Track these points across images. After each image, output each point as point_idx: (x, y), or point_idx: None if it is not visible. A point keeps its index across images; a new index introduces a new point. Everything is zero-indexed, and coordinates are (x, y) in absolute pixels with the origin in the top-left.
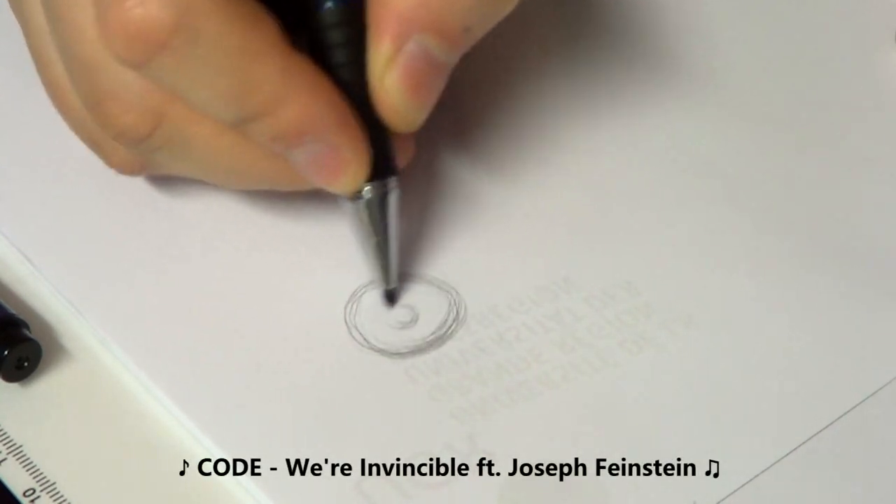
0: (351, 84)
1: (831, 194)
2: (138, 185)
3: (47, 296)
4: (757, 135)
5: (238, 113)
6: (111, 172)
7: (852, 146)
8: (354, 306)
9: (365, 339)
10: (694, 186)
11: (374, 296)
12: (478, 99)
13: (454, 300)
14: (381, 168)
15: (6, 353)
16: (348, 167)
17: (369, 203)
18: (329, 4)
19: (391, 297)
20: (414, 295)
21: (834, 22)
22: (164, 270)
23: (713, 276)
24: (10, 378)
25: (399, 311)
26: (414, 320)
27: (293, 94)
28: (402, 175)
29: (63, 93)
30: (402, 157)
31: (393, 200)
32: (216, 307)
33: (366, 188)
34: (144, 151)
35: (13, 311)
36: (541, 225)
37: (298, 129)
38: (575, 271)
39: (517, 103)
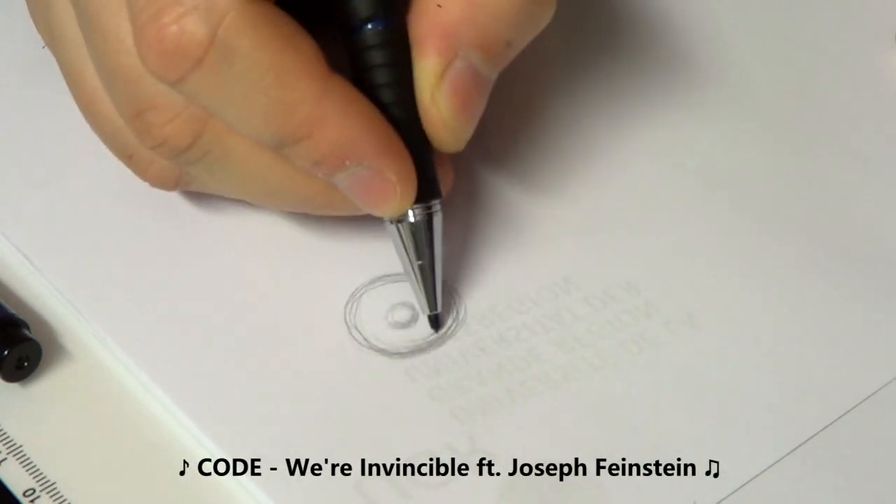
0: (394, 105)
1: (832, 194)
2: (138, 186)
3: (47, 296)
4: (757, 135)
5: (275, 135)
6: (111, 172)
7: (853, 146)
8: (354, 306)
9: (365, 338)
10: (694, 187)
11: (374, 296)
12: None
13: (454, 300)
14: (426, 190)
15: (6, 353)
16: (394, 191)
17: (414, 226)
18: (369, 25)
19: (436, 323)
20: (414, 295)
21: (835, 22)
22: (164, 271)
23: (713, 275)
24: (10, 378)
25: (399, 311)
26: (414, 320)
27: (331, 116)
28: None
29: (97, 104)
30: (443, 184)
31: (437, 223)
32: (216, 307)
33: (411, 213)
34: (183, 164)
35: (13, 311)
36: (541, 225)
37: (338, 152)
38: (575, 271)
39: (518, 105)
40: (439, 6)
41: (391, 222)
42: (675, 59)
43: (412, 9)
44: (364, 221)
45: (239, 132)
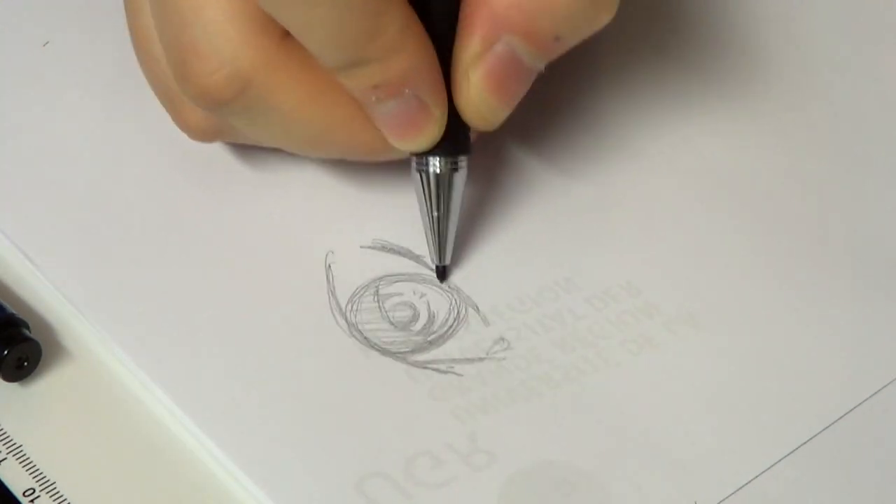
0: (444, 56)
1: (833, 194)
2: (139, 185)
3: (47, 296)
4: (758, 135)
5: (353, 56)
6: (111, 172)
7: (855, 146)
8: (354, 306)
9: (365, 338)
10: (695, 187)
11: (375, 296)
12: None
13: (455, 299)
14: (456, 145)
15: (6, 353)
16: (432, 125)
17: (439, 177)
18: None
19: (442, 274)
20: (415, 294)
21: (835, 23)
22: (165, 271)
23: (714, 276)
24: (10, 378)
25: (399, 311)
26: (414, 320)
27: (409, 44)
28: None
29: (147, 42)
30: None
31: (460, 179)
32: (217, 307)
33: (438, 161)
34: (222, 115)
35: (13, 310)
36: (543, 225)
37: (403, 79)
38: (576, 271)
39: (521, 105)
40: None
41: (416, 169)
42: (675, 60)
43: None
44: (364, 222)
45: (313, 49)
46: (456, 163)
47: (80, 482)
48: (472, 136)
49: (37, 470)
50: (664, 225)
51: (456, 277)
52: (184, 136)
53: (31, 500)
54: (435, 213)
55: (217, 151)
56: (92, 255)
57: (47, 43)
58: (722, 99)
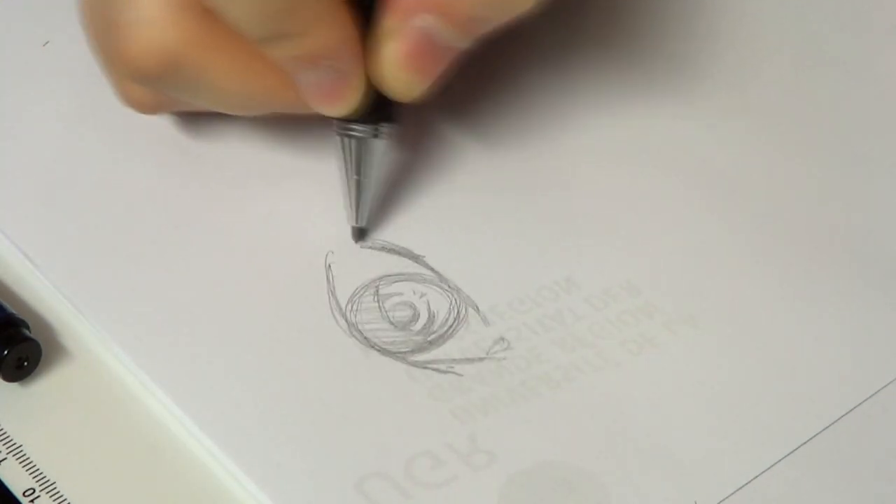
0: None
1: (832, 194)
2: (139, 185)
3: (47, 296)
4: (758, 135)
5: (273, 30)
6: (111, 172)
7: (857, 147)
8: (354, 306)
9: (365, 338)
10: (696, 187)
11: (375, 295)
12: (482, 99)
13: (455, 299)
14: (378, 112)
15: (6, 353)
16: (351, 94)
17: (360, 142)
18: None
19: (358, 235)
20: (415, 294)
21: (837, 21)
22: (165, 271)
23: (715, 276)
24: (10, 378)
25: (399, 311)
26: (414, 319)
27: (328, 18)
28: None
29: (91, 21)
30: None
31: (380, 146)
32: (217, 307)
33: (359, 127)
34: (156, 89)
35: (13, 310)
36: (543, 225)
37: (322, 52)
38: (576, 271)
39: (522, 105)
40: None
41: (338, 133)
42: (675, 58)
43: None
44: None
45: (233, 24)
46: (378, 130)
47: (80, 482)
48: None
49: (37, 470)
50: (664, 225)
51: (456, 277)
52: (184, 136)
53: (31, 500)
54: (355, 177)
55: (218, 152)
56: (92, 255)
57: (47, 43)
58: (722, 99)
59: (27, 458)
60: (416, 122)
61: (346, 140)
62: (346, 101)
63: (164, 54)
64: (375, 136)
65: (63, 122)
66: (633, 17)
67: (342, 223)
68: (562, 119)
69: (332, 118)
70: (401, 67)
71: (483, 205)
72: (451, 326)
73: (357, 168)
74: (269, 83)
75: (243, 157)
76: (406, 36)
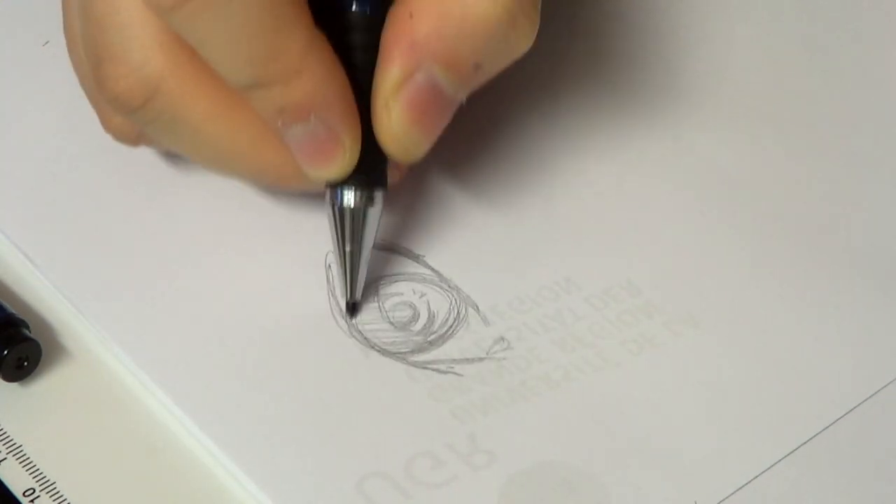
0: (365, 88)
1: (832, 195)
2: (139, 185)
3: (47, 296)
4: (758, 135)
5: (253, 76)
6: (112, 172)
7: (856, 147)
8: None
9: (365, 338)
10: (695, 187)
11: (375, 295)
12: (481, 98)
13: (455, 299)
14: (372, 178)
15: (6, 353)
16: (342, 155)
17: (353, 210)
18: (357, 8)
19: (352, 310)
20: (414, 294)
21: (837, 22)
22: (165, 271)
23: (715, 276)
24: (10, 378)
25: (399, 311)
26: (414, 319)
27: (312, 68)
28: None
29: (75, 43)
30: (393, 173)
31: (375, 213)
32: (217, 307)
33: (352, 194)
34: (136, 122)
35: (13, 310)
36: (543, 225)
37: (307, 103)
38: (576, 271)
39: (520, 104)
40: (411, 16)
41: (329, 201)
42: (676, 59)
43: (389, 13)
44: None
45: (216, 68)
46: (371, 196)
47: (80, 482)
48: (403, 170)
49: (37, 470)
50: (664, 225)
51: (456, 277)
52: None
53: (31, 500)
54: (347, 248)
55: None
56: (92, 256)
57: (47, 43)
58: (722, 99)
59: (27, 458)
60: None
61: (337, 209)
62: (338, 163)
63: (144, 82)
64: (370, 203)
65: (63, 122)
66: (632, 18)
67: None
68: (561, 121)
69: (324, 183)
70: (411, 125)
71: (483, 205)
72: (451, 326)
73: (351, 237)
74: (250, 138)
75: None
76: (413, 90)
